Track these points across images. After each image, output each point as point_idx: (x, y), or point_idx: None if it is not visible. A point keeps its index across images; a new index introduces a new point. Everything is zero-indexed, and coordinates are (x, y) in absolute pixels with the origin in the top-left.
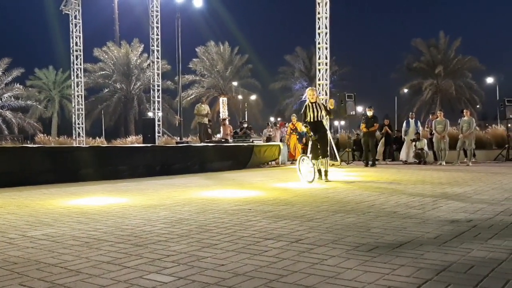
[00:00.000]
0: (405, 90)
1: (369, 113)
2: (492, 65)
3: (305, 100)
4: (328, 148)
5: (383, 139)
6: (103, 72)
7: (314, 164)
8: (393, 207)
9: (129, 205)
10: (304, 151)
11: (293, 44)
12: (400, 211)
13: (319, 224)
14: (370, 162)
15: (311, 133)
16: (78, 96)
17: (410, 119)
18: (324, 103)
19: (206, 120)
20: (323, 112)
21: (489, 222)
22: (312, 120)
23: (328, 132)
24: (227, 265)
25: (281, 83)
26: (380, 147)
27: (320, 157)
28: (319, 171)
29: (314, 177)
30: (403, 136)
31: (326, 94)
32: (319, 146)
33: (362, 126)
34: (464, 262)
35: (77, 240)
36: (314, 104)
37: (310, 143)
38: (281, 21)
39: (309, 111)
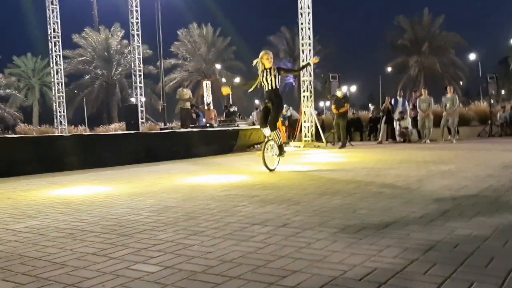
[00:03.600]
0: (389, 69)
1: (339, 93)
2: (474, 40)
3: (290, 81)
4: (316, 129)
5: (385, 117)
6: (83, 58)
7: (269, 140)
8: (379, 187)
9: (114, 194)
10: (291, 134)
11: (277, 25)
12: (385, 191)
13: (305, 207)
14: (340, 143)
15: (266, 101)
16: (58, 83)
17: (398, 97)
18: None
19: (188, 105)
20: (278, 79)
21: (473, 200)
22: (267, 89)
23: (313, 112)
24: (214, 252)
25: None
26: (383, 126)
27: (269, 128)
28: (279, 146)
29: (276, 165)
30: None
31: (310, 76)
32: (269, 118)
33: (333, 107)
34: (449, 240)
35: (61, 231)
36: (269, 70)
37: (260, 112)
38: (264, 1)
39: (262, 78)
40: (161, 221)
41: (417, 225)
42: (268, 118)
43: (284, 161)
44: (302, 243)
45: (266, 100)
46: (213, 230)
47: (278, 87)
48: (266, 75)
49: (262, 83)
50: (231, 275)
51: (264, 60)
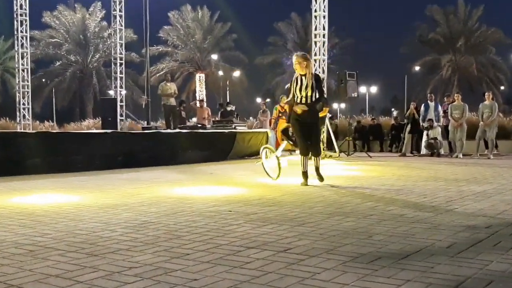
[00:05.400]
0: (417, 68)
1: None
2: None
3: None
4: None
5: (409, 126)
6: (54, 41)
7: (278, 159)
8: (400, 209)
9: (83, 204)
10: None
11: (287, 11)
12: (407, 214)
13: (311, 230)
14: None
15: (298, 118)
16: (23, 70)
17: (429, 101)
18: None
19: (172, 101)
20: (316, 91)
21: (511, 229)
22: (300, 101)
23: (326, 116)
24: (200, 280)
25: (271, 57)
26: (407, 136)
27: (313, 155)
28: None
29: (279, 174)
30: (421, 123)
31: (323, 73)
32: (309, 142)
33: None
34: (481, 276)
35: (20, 248)
36: (304, 77)
37: (293, 132)
38: None
39: (296, 87)
40: (139, 239)
41: (443, 257)
42: (309, 143)
43: (288, 173)
44: (306, 273)
45: (306, 122)
46: (200, 253)
47: (315, 100)
48: (301, 83)
49: (294, 94)
50: None
51: (296, 65)
